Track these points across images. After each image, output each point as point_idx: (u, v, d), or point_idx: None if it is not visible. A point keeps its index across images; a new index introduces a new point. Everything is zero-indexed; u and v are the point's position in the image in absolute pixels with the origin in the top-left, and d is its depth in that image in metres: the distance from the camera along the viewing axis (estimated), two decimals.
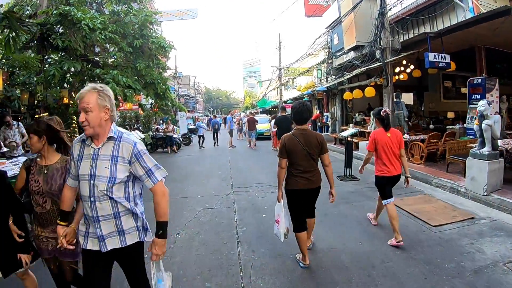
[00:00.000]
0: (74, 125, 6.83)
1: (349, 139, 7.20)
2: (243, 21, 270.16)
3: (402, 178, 3.76)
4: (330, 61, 12.97)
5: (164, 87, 9.17)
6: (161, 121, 16.66)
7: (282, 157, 2.96)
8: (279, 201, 3.07)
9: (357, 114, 13.41)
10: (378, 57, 9.45)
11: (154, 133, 13.40)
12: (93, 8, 8.88)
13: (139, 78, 8.56)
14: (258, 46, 60.51)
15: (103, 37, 7.09)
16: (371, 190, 5.53)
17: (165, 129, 13.29)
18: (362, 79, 11.36)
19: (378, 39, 9.50)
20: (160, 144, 13.25)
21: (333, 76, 13.27)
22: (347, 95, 12.23)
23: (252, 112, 18.07)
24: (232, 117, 18.55)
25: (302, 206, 3.06)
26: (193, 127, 20.25)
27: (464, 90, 10.68)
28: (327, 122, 16.13)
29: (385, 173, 3.62)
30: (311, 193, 3.04)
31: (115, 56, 7.80)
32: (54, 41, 6.35)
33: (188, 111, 41.12)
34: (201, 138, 14.52)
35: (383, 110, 3.68)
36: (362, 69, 9.86)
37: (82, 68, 7.08)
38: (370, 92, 10.84)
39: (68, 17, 6.55)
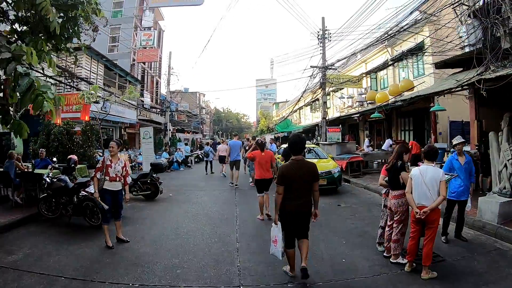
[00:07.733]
0: None
1: None
2: (257, 36, 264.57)
3: None
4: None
5: None
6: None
7: (280, 184, 3.27)
8: (275, 224, 3.34)
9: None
10: None
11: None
12: None
13: None
14: (273, 62, 54.32)
15: None
16: None
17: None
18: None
19: None
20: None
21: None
22: None
23: (256, 137, 11.01)
24: (243, 144, 11.32)
25: (294, 227, 3.38)
26: (158, 161, 11.85)
27: None
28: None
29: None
30: (302, 215, 3.36)
31: None
32: None
33: (189, 132, 33.30)
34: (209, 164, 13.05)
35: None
36: None
37: None
38: None
39: None
